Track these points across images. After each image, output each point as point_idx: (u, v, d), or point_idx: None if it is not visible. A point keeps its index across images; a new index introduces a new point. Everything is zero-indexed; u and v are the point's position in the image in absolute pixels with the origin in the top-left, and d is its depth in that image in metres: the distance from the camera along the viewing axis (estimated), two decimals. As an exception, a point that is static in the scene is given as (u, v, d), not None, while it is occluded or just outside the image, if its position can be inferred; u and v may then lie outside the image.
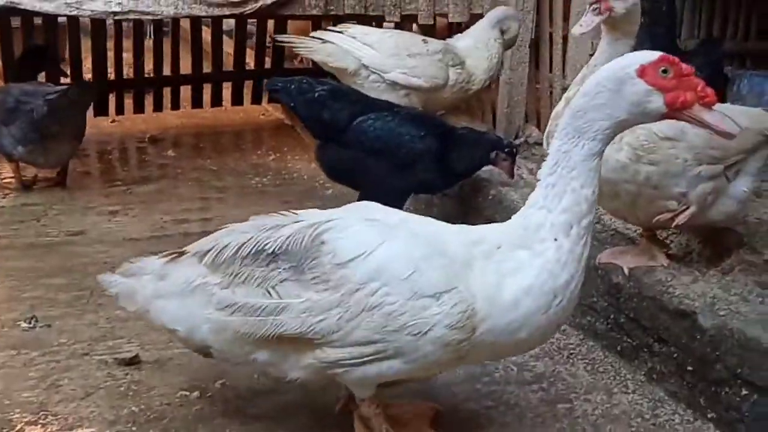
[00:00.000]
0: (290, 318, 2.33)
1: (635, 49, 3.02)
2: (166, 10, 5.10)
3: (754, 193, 4.55)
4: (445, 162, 4.14)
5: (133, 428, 2.73)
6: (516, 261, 2.29)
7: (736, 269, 3.26)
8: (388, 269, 2.27)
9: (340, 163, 4.31)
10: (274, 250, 2.40)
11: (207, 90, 7.32)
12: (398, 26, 6.31)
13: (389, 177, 4.15)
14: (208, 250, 2.53)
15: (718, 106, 3.01)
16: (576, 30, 3.04)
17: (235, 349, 2.47)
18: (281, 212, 2.62)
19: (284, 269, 2.38)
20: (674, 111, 2.19)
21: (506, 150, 4.15)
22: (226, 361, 2.61)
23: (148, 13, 5.10)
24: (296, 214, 2.58)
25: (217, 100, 7.38)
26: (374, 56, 5.02)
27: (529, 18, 5.50)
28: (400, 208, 4.23)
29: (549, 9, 5.55)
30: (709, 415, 2.79)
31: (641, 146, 2.98)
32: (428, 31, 6.27)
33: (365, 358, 2.29)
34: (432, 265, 2.27)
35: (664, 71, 2.16)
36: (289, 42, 5.37)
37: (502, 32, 5.25)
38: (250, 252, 2.44)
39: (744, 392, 2.65)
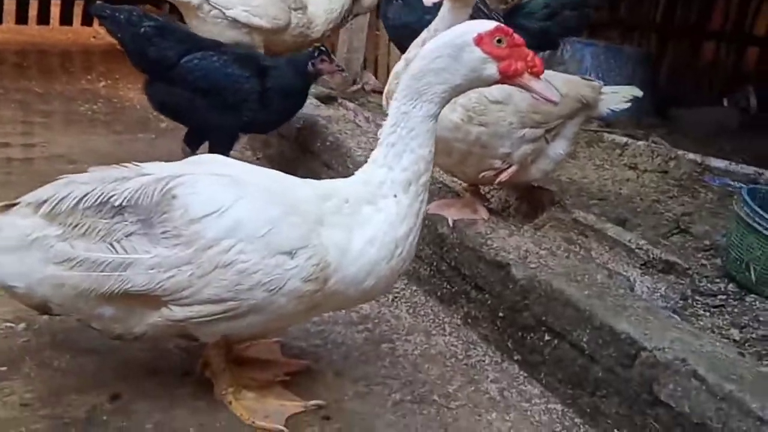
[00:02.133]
0: (137, 274, 2.29)
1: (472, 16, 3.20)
2: None
3: (569, 154, 4.99)
4: (270, 99, 4.19)
5: (-48, 361, 2.67)
6: (361, 215, 2.42)
7: (548, 225, 3.58)
8: (244, 227, 2.29)
9: (169, 101, 4.25)
10: (121, 202, 2.34)
11: (33, 5, 6.91)
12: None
13: (218, 116, 4.16)
14: (45, 200, 2.42)
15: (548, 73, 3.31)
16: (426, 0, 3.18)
17: (78, 304, 2.39)
18: (123, 164, 2.53)
19: (131, 222, 2.33)
20: (506, 78, 2.37)
21: (317, 54, 4.21)
22: (68, 316, 2.54)
23: None
24: (140, 166, 2.52)
25: (44, 18, 6.98)
26: None
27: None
28: (231, 146, 4.32)
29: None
30: (515, 357, 3.07)
31: (473, 108, 3.18)
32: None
33: (215, 317, 2.32)
34: (288, 222, 2.32)
35: (499, 41, 2.32)
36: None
37: None
38: (93, 203, 2.36)
39: (547, 338, 2.94)
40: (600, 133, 5.51)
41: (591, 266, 3.14)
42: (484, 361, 3.10)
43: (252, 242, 2.28)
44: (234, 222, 2.29)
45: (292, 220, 2.34)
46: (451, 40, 2.35)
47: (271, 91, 4.16)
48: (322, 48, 4.25)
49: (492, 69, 2.34)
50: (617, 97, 3.61)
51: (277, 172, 2.64)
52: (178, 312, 2.33)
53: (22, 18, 6.88)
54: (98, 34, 7.25)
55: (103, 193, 2.38)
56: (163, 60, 4.15)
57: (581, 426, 2.76)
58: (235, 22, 4.95)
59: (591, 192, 4.47)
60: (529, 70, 2.36)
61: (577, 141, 5.30)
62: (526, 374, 3.01)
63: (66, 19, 7.08)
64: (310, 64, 4.17)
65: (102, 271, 2.31)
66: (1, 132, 4.77)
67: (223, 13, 4.94)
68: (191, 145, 4.31)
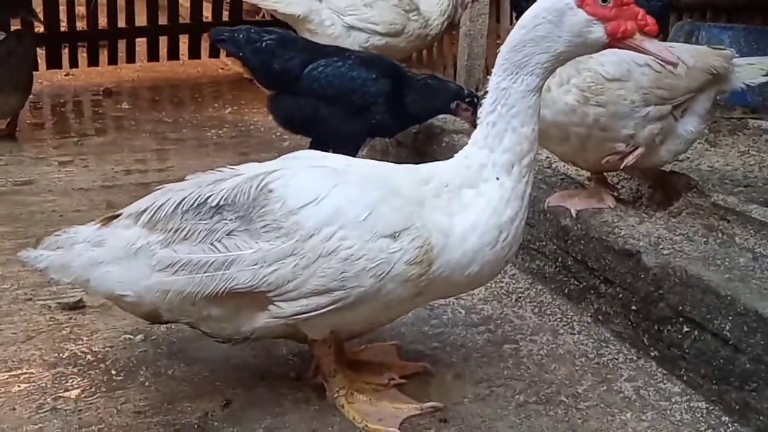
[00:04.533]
0: (240, 270, 2.23)
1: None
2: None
3: (708, 142, 4.63)
4: (401, 106, 4.11)
5: (74, 370, 2.69)
6: (462, 199, 2.30)
7: (684, 212, 3.28)
8: (344, 213, 2.21)
9: (294, 113, 4.25)
10: (218, 202, 2.31)
11: (163, 43, 7.19)
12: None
13: (344, 122, 4.11)
14: (144, 210, 2.41)
15: (665, 44, 3.06)
16: None
17: (185, 307, 2.36)
18: (218, 168, 2.50)
19: (230, 220, 2.28)
20: (615, 41, 2.18)
21: (467, 100, 4.12)
22: (178, 322, 2.52)
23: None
24: (234, 168, 2.48)
25: (173, 54, 7.25)
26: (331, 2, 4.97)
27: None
28: (356, 153, 4.24)
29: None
30: (651, 353, 2.81)
31: (589, 88, 2.96)
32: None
33: (322, 309, 2.22)
34: (388, 206, 2.23)
35: (604, 0, 2.14)
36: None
37: None
38: (191, 206, 2.33)
39: (685, 329, 2.67)
40: (745, 120, 5.09)
41: (733, 250, 2.84)
42: (617, 359, 2.85)
43: (353, 228, 2.19)
44: (333, 209, 2.21)
45: (393, 203, 2.24)
46: (552, 5, 2.18)
47: (405, 110, 4.10)
48: (476, 97, 4.15)
49: (599, 32, 2.16)
50: (753, 69, 3.29)
51: (374, 161, 2.55)
52: (286, 308, 2.25)
53: (153, 56, 7.17)
54: (225, 66, 7.46)
55: (200, 195, 2.35)
56: (288, 71, 4.15)
57: (729, 425, 2.47)
58: (348, 30, 4.92)
59: (735, 179, 4.10)
60: (640, 30, 2.15)
61: (719, 129, 4.92)
62: (664, 371, 2.75)
63: (194, 53, 7.31)
64: (455, 103, 4.07)
65: (206, 272, 2.27)
66: (133, 159, 4.94)
67: (341, 20, 4.91)
68: None
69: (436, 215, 2.27)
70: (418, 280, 2.23)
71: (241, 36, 4.21)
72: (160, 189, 2.52)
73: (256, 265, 2.23)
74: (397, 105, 4.07)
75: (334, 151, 4.10)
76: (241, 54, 4.23)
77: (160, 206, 2.39)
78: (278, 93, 4.28)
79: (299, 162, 2.46)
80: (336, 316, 2.26)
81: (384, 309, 2.33)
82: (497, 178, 2.28)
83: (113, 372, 2.69)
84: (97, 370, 2.69)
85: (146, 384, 2.63)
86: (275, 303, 2.26)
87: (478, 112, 2.35)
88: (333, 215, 2.21)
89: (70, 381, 2.63)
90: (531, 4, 3.10)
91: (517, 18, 3.81)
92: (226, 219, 2.30)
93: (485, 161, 2.29)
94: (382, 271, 2.18)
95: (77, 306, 3.10)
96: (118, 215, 2.52)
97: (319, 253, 2.19)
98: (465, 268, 2.29)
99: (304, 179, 2.31)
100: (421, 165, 2.47)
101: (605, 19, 2.14)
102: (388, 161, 4.73)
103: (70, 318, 3.03)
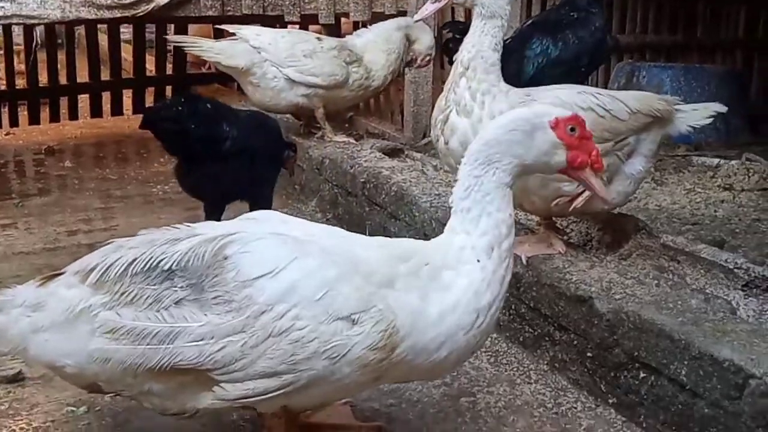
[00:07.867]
0: (186, 345, 2.11)
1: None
2: (53, 14, 4.92)
3: (655, 180, 4.67)
4: None
5: (12, 449, 2.57)
6: (442, 280, 2.23)
7: (634, 254, 3.28)
8: (299, 289, 2.10)
9: (227, 177, 3.90)
10: (170, 266, 2.19)
11: (106, 99, 7.10)
12: (301, 27, 6.24)
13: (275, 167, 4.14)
14: (93, 268, 2.27)
15: (611, 92, 3.13)
16: (415, 18, 3.29)
17: (126, 380, 2.23)
18: (175, 225, 2.39)
19: (181, 288, 2.16)
20: (570, 168, 2.31)
21: (292, 153, 4.21)
22: (118, 395, 2.37)
23: (33, 17, 4.90)
24: (192, 226, 2.38)
25: (117, 109, 7.15)
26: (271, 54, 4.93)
27: (432, 16, 5.47)
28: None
29: (452, 8, 5.54)
30: (610, 401, 2.77)
31: None
32: (332, 32, 6.22)
33: (271, 394, 2.12)
34: (346, 285, 2.12)
35: (572, 129, 2.26)
36: (180, 42, 5.20)
37: (409, 41, 5.22)
38: (142, 269, 2.21)
39: (642, 375, 2.64)
40: (689, 157, 5.17)
41: (684, 292, 2.83)
42: (575, 407, 2.81)
43: (308, 307, 2.08)
44: (288, 284, 2.10)
45: (352, 282, 2.13)
46: (529, 118, 2.29)
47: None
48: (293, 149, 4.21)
49: (562, 156, 2.28)
50: (698, 113, 3.32)
51: (343, 231, 2.45)
52: (231, 391, 2.13)
53: (96, 112, 7.07)
54: (171, 119, 7.37)
55: (152, 257, 2.23)
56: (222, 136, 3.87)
57: (691, 471, 2.43)
58: (290, 83, 4.88)
59: (683, 217, 4.14)
60: (591, 165, 2.30)
61: (664, 168, 4.98)
62: (624, 418, 2.71)
63: (139, 107, 7.22)
64: (286, 153, 4.14)
65: (149, 344, 2.14)
66: (76, 220, 4.82)
67: (280, 73, 4.86)
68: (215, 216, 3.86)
69: (407, 296, 2.18)
70: (378, 365, 2.13)
71: (181, 108, 3.81)
72: (109, 244, 2.39)
73: (202, 340, 2.11)
74: None
75: (255, 203, 3.95)
76: (193, 126, 3.78)
77: (110, 265, 2.26)
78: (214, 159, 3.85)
79: (259, 226, 2.35)
80: (286, 399, 2.16)
81: (338, 391, 2.23)
82: (478, 261, 2.24)
83: (54, 449, 2.57)
84: (37, 448, 2.57)
85: (90, 460, 2.52)
86: (221, 385, 2.14)
87: (450, 200, 2.33)
88: (287, 291, 2.10)
89: (8, 461, 2.51)
90: (458, 46, 3.18)
91: (450, 62, 3.86)
92: (176, 286, 2.18)
93: (464, 244, 2.25)
94: (337, 353, 2.08)
95: (16, 378, 2.95)
96: (61, 274, 2.38)
97: (270, 332, 2.08)
98: (432, 352, 2.20)
99: (261, 248, 2.19)
100: (401, 240, 2.43)
101: (569, 147, 2.27)
102: (337, 212, 4.75)
103: (9, 392, 2.89)
